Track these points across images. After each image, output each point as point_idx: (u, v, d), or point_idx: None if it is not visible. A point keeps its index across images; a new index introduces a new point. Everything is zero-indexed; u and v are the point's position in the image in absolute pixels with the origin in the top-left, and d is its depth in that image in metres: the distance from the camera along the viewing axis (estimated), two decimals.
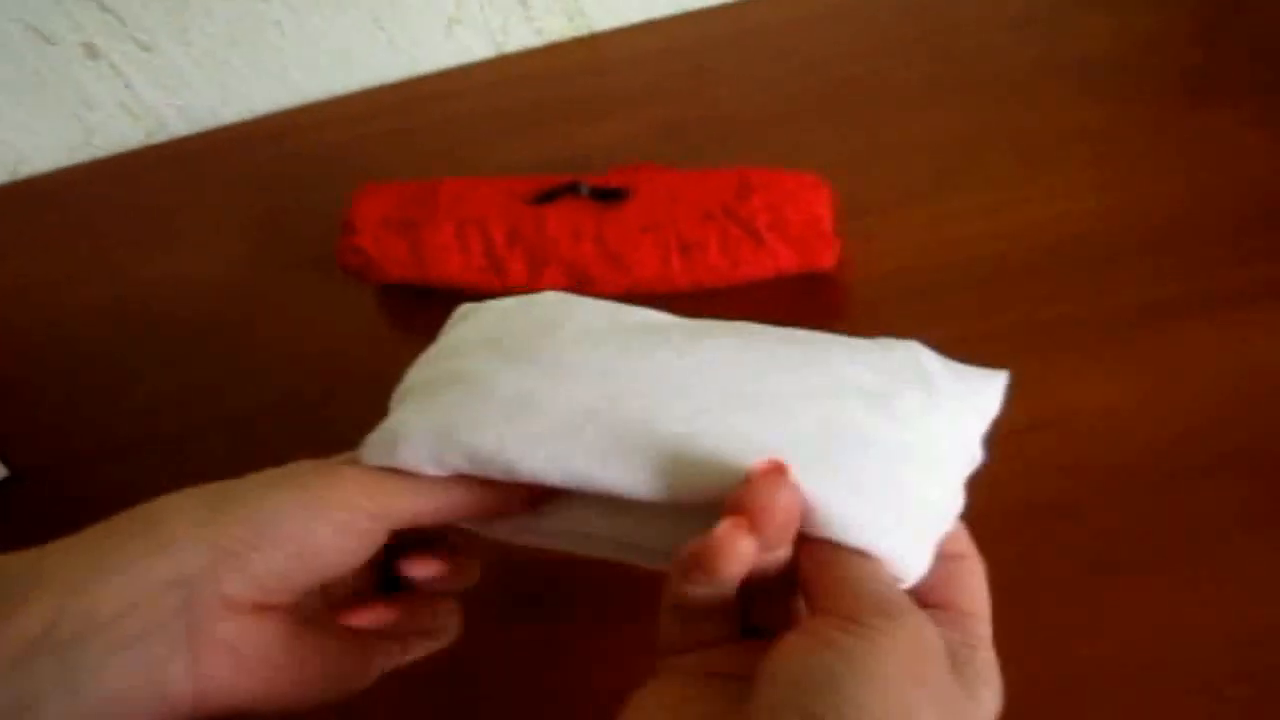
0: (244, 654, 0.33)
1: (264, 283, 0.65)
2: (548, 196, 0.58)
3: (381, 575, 0.40)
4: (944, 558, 0.34)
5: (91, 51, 0.74)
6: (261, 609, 0.34)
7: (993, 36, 0.72)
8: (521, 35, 0.79)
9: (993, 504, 0.47)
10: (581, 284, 0.57)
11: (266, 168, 0.74)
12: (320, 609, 0.38)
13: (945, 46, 0.72)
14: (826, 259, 0.56)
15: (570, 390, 0.35)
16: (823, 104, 0.70)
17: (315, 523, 0.34)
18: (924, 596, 0.33)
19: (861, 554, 0.32)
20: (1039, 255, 0.57)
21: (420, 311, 0.60)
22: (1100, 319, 0.54)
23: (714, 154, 0.63)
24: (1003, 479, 0.48)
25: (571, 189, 0.58)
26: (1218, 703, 0.41)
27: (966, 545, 0.36)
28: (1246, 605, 0.44)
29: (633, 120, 0.71)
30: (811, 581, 0.32)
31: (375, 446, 0.36)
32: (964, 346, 0.54)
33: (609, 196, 0.57)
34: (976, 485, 0.48)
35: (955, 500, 0.36)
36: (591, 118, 0.72)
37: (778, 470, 0.31)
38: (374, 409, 0.38)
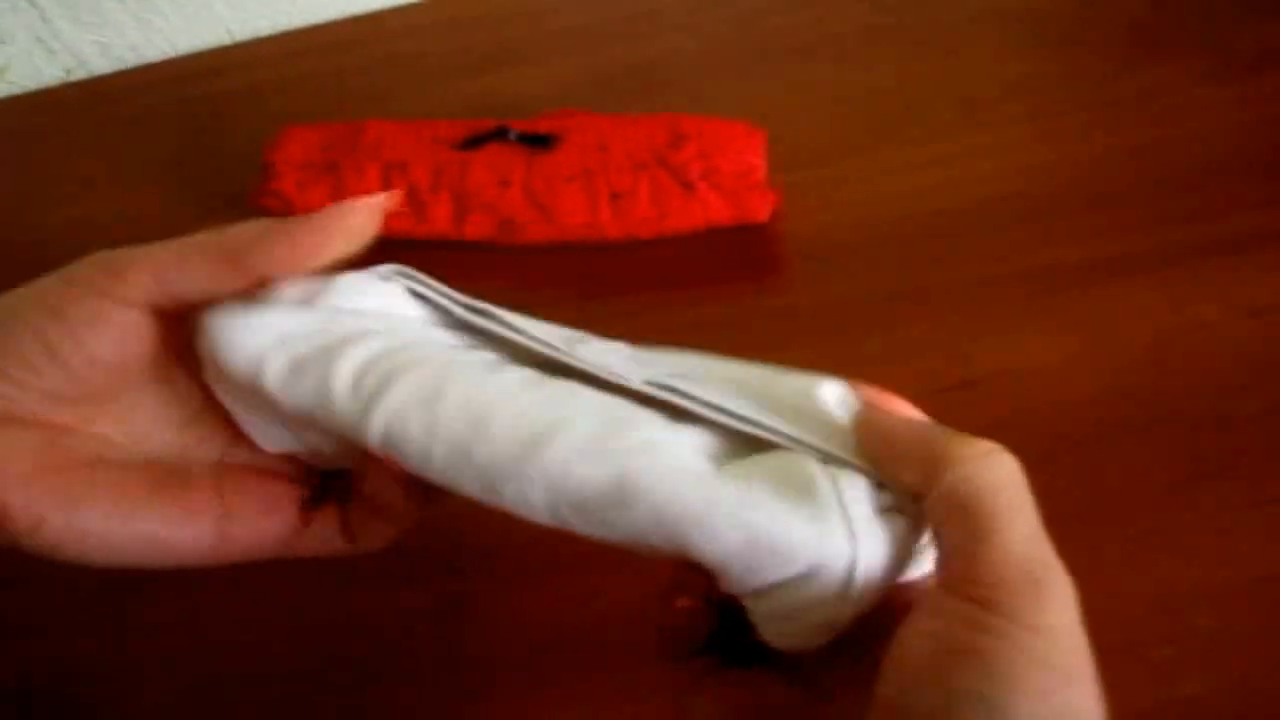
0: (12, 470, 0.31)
1: (181, 227, 0.62)
2: (475, 142, 0.56)
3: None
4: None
5: None
6: (43, 424, 0.32)
7: None
8: None
9: None
10: (507, 232, 0.55)
11: (189, 108, 0.71)
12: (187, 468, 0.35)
13: None
14: (760, 211, 0.54)
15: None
16: (761, 53, 0.68)
17: (50, 320, 0.31)
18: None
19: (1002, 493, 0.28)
20: (977, 210, 0.56)
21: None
22: (1038, 275, 0.53)
23: (648, 102, 0.61)
24: None
25: (499, 134, 0.56)
26: (1141, 665, 0.41)
27: None
28: (1173, 566, 0.43)
29: (567, 66, 0.69)
30: (938, 531, 0.29)
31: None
32: (897, 303, 0.53)
33: (537, 143, 0.55)
34: None
35: None
36: (525, 63, 0.70)
37: None
38: None
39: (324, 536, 0.36)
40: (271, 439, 0.35)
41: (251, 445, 0.35)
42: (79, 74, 0.76)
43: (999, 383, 0.49)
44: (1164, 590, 0.43)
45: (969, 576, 0.27)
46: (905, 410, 0.32)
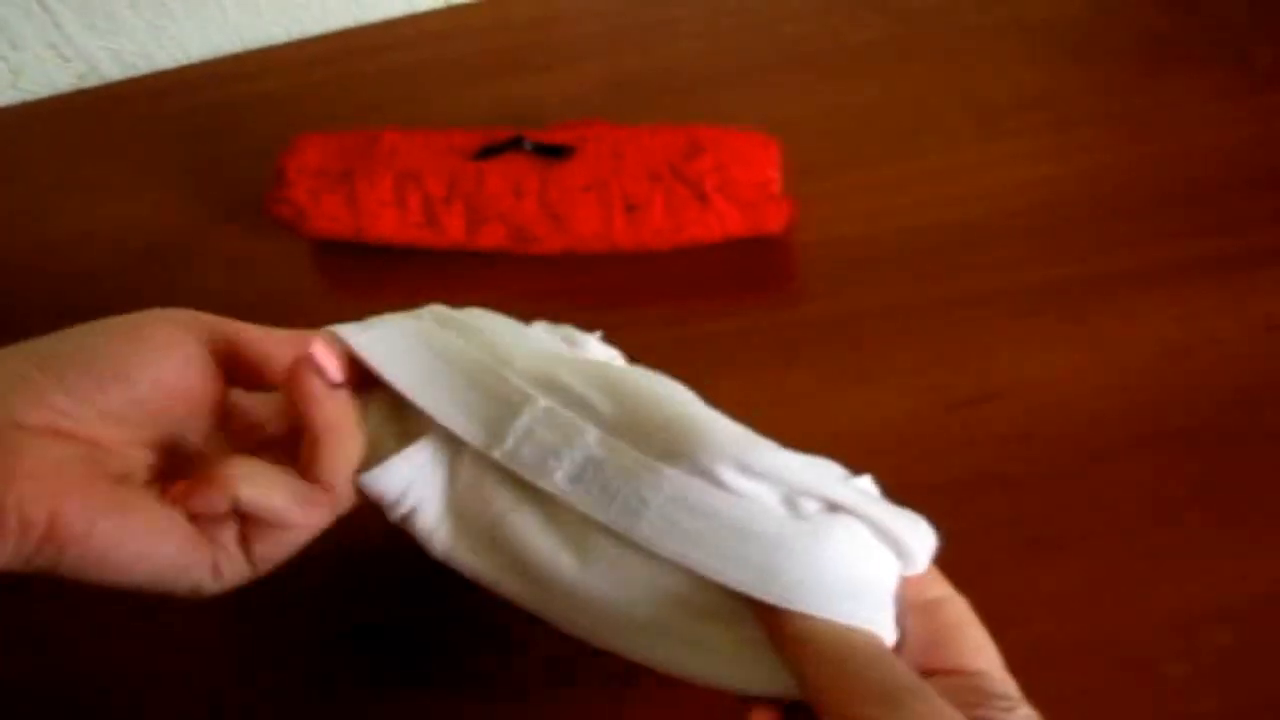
0: (56, 481, 0.32)
1: (195, 234, 0.63)
2: (489, 152, 0.56)
3: None
4: (920, 609, 0.33)
5: None
6: (91, 442, 0.33)
7: None
8: None
9: (934, 476, 0.47)
10: (521, 242, 0.55)
11: (202, 115, 0.71)
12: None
13: (902, 7, 0.70)
14: (775, 223, 0.54)
15: None
16: (777, 63, 0.68)
17: (126, 343, 0.34)
18: (922, 667, 0.31)
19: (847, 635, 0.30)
20: (993, 222, 0.56)
21: (356, 268, 0.59)
22: (1053, 288, 0.53)
23: (664, 111, 0.61)
24: (944, 451, 0.48)
25: (514, 144, 0.56)
26: (1155, 682, 0.41)
27: (942, 587, 0.34)
28: (1186, 582, 0.43)
29: (583, 74, 0.69)
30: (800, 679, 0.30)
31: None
32: (911, 316, 0.53)
33: (553, 153, 0.55)
34: (917, 459, 0.48)
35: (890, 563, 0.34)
36: (541, 71, 0.70)
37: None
38: None
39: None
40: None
41: None
42: (91, 80, 0.76)
43: (1013, 397, 0.49)
44: (1179, 607, 0.42)
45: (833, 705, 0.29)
46: None
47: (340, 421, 0.36)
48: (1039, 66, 0.64)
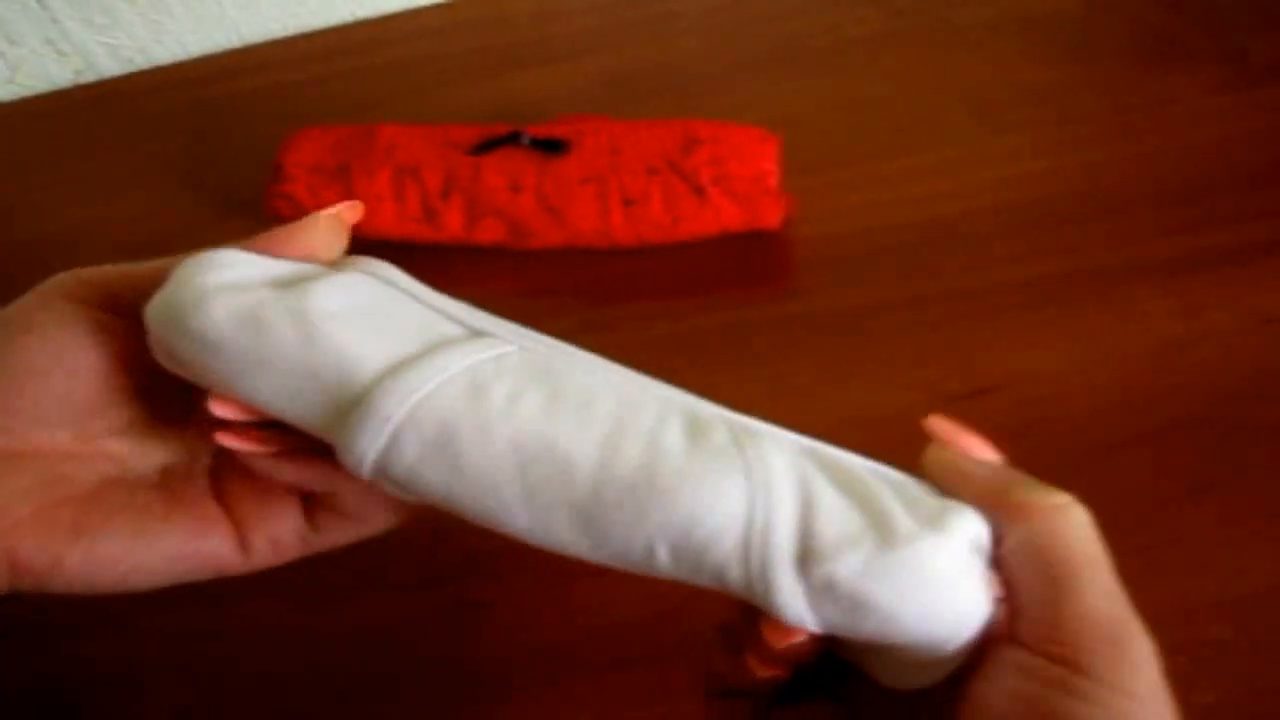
0: (4, 521, 0.30)
1: (193, 229, 0.63)
2: (487, 146, 0.56)
3: None
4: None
5: None
6: (37, 455, 0.31)
7: None
8: None
9: None
10: (519, 236, 0.55)
11: (199, 110, 0.71)
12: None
13: (901, 2, 0.70)
14: (772, 218, 0.54)
15: None
16: (775, 57, 0.68)
17: (23, 335, 0.30)
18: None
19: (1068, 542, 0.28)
20: (990, 216, 0.56)
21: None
22: (1050, 282, 0.53)
23: (662, 106, 0.61)
24: None
25: (512, 139, 0.56)
26: None
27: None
28: (1186, 576, 0.43)
29: (581, 70, 0.69)
30: (1012, 582, 0.28)
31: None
32: (908, 310, 0.53)
33: (550, 148, 0.55)
34: (915, 453, 0.48)
35: None
36: (538, 65, 0.70)
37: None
38: None
39: (341, 525, 0.34)
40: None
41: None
42: (89, 76, 0.76)
43: (1011, 391, 0.49)
44: (1177, 600, 0.42)
45: (1051, 635, 0.27)
46: (979, 451, 0.32)
47: None
48: (1036, 62, 0.64)
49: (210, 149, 0.68)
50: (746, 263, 0.56)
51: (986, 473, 0.30)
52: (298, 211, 0.56)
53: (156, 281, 0.30)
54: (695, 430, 0.29)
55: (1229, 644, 0.41)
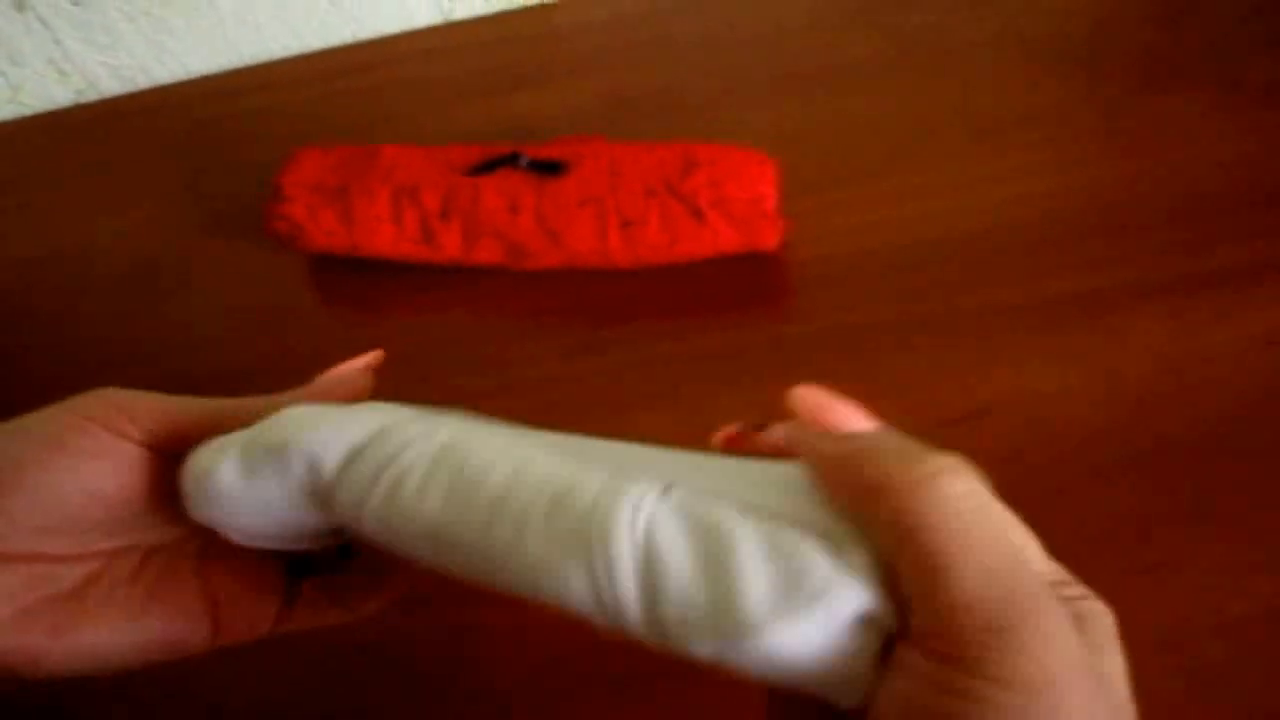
0: (21, 605, 0.30)
1: (192, 248, 0.63)
2: (485, 167, 0.56)
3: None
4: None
5: (19, 4, 0.71)
6: (31, 558, 0.31)
7: (947, 13, 0.71)
8: (470, 1, 0.77)
9: None
10: (517, 258, 0.55)
11: (200, 131, 0.72)
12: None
13: (898, 23, 0.70)
14: (770, 240, 0.54)
15: None
16: (773, 79, 0.68)
17: (49, 454, 0.30)
18: None
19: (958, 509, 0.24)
20: (987, 237, 0.56)
21: (352, 283, 0.59)
22: (1048, 303, 0.53)
23: (661, 127, 0.62)
24: None
25: (510, 160, 0.56)
26: (1150, 698, 0.41)
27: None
28: (1177, 598, 0.43)
29: (579, 91, 0.69)
30: (903, 573, 0.24)
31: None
32: (905, 332, 0.53)
33: (549, 169, 0.55)
34: None
35: None
36: (537, 87, 0.70)
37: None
38: (301, 381, 0.37)
39: (315, 608, 0.36)
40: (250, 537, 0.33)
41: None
42: (90, 96, 0.77)
43: (1008, 412, 0.49)
44: (1174, 623, 0.42)
45: (925, 628, 0.23)
46: (854, 421, 0.28)
47: None
48: (1034, 82, 0.64)
49: (211, 168, 0.68)
50: (744, 284, 0.56)
51: (840, 449, 0.27)
52: (296, 232, 0.56)
53: (200, 426, 0.32)
54: (555, 510, 0.28)
55: (1226, 666, 0.41)
